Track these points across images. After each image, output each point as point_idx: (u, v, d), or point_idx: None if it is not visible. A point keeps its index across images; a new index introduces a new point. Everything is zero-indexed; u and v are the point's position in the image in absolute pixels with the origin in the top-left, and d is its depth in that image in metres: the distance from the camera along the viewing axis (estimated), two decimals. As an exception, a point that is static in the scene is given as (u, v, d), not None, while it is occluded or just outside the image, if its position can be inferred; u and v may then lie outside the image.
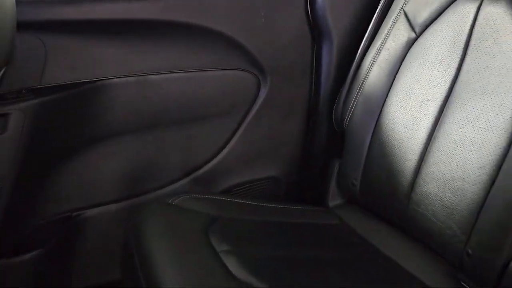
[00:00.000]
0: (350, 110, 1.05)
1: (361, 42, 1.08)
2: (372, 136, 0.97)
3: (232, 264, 0.72)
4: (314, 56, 1.21)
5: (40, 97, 0.95)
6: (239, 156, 1.24)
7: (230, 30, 1.10)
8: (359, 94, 1.03)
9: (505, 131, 0.71)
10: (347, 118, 1.05)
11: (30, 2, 0.89)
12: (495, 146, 0.71)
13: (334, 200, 1.10)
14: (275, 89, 1.20)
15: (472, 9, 0.82)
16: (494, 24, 0.77)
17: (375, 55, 1.02)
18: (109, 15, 0.97)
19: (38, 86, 0.95)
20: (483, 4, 0.81)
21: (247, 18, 1.11)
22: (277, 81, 1.20)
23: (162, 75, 1.08)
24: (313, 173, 1.24)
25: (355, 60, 1.09)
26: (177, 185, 1.18)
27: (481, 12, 0.80)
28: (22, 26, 0.84)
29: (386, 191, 0.91)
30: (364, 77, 1.03)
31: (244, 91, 1.19)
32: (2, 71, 0.78)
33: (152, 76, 1.08)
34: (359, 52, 1.08)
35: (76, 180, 1.08)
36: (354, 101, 1.04)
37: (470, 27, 0.82)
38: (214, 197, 0.99)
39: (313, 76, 1.23)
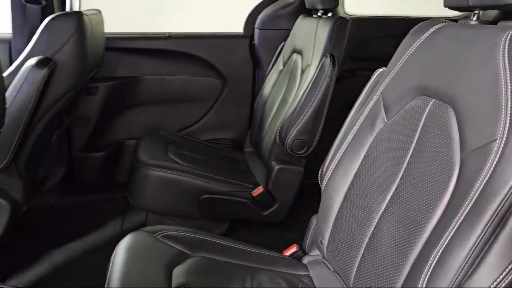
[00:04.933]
0: (258, 100, 2.07)
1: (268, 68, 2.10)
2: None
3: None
4: (254, 72, 2.23)
5: (113, 81, 2.10)
6: (211, 124, 2.30)
7: (208, 57, 2.17)
8: (262, 92, 2.05)
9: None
10: (256, 103, 2.09)
11: (110, 38, 2.03)
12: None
13: (247, 147, 2.12)
14: (232, 89, 2.24)
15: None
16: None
17: (270, 75, 2.03)
18: (146, 46, 2.10)
19: (113, 76, 2.10)
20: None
21: (217, 51, 2.17)
22: (233, 85, 2.24)
23: (171, 76, 2.19)
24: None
25: (266, 76, 2.10)
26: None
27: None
28: (107, 49, 1.98)
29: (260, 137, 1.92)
30: (265, 85, 2.04)
31: (215, 88, 2.25)
32: (97, 69, 1.92)
33: (167, 76, 2.19)
34: (267, 73, 2.10)
35: (127, 123, 2.21)
36: (260, 95, 2.06)
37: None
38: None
39: (254, 83, 2.25)
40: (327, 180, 1.16)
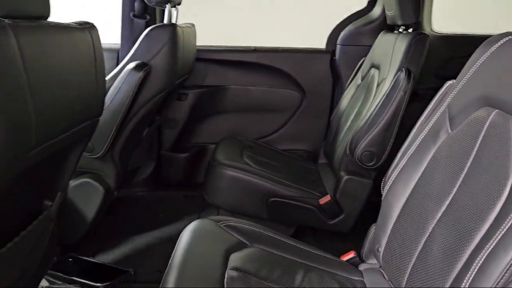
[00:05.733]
0: (335, 113, 2.11)
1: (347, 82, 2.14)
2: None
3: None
4: (334, 87, 2.28)
5: (201, 89, 2.29)
6: (288, 134, 2.38)
7: (290, 70, 2.27)
8: (340, 105, 2.08)
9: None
10: (332, 116, 2.12)
11: (201, 50, 2.22)
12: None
13: (321, 159, 2.16)
14: (311, 102, 2.31)
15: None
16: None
17: (348, 90, 2.06)
18: (233, 58, 2.26)
19: (201, 84, 2.30)
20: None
21: (299, 65, 2.27)
22: (312, 98, 2.31)
23: (254, 87, 2.32)
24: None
25: (344, 90, 2.14)
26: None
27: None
28: (197, 59, 2.18)
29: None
30: (342, 99, 2.08)
31: (294, 101, 2.34)
32: (186, 76, 2.12)
33: (250, 87, 2.33)
34: (346, 86, 2.13)
35: (210, 128, 2.38)
36: (337, 109, 2.09)
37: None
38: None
39: (333, 97, 2.30)
40: (388, 188, 1.17)
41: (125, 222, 2.00)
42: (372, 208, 1.74)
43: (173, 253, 1.06)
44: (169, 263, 1.02)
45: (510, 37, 0.95)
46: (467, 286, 0.74)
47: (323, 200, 1.68)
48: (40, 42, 0.79)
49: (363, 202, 1.67)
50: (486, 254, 0.72)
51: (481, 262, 0.72)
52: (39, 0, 0.85)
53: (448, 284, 0.82)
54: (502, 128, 0.85)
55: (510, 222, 0.70)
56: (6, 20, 0.71)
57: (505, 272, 0.67)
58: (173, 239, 1.85)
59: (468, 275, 0.74)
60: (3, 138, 0.68)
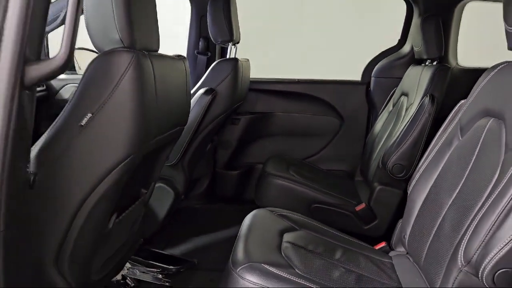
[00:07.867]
0: (370, 136, 2.38)
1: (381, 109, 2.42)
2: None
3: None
4: (368, 114, 2.57)
5: (251, 115, 2.64)
6: (328, 156, 2.67)
7: (330, 100, 2.59)
8: (374, 129, 2.36)
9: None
10: (367, 138, 2.40)
11: (253, 81, 2.58)
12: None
13: (358, 176, 2.42)
14: (348, 127, 2.61)
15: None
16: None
17: (382, 115, 2.34)
18: (280, 89, 2.61)
19: (252, 111, 2.65)
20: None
21: (338, 95, 2.58)
22: (349, 124, 2.60)
23: (297, 114, 2.65)
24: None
25: (379, 116, 2.42)
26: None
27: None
28: (249, 89, 2.54)
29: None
30: (376, 123, 2.36)
31: (333, 126, 2.64)
32: (240, 102, 2.47)
33: (294, 114, 2.66)
34: (379, 113, 2.42)
35: (259, 149, 2.70)
36: (371, 132, 2.37)
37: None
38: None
39: (368, 123, 2.59)
40: (411, 187, 1.44)
41: (186, 227, 2.32)
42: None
43: (239, 231, 1.36)
44: (237, 237, 1.32)
45: (505, 64, 1.23)
46: (464, 245, 1.00)
47: (359, 207, 1.95)
48: (161, 66, 1.15)
49: (394, 210, 1.92)
50: (478, 217, 0.98)
51: (474, 224, 0.98)
52: (155, 39, 1.22)
53: (453, 248, 1.07)
54: (496, 131, 1.12)
55: (495, 194, 0.97)
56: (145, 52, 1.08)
57: (491, 228, 0.93)
58: (228, 239, 2.18)
59: (466, 237, 1.00)
60: (143, 128, 1.02)
